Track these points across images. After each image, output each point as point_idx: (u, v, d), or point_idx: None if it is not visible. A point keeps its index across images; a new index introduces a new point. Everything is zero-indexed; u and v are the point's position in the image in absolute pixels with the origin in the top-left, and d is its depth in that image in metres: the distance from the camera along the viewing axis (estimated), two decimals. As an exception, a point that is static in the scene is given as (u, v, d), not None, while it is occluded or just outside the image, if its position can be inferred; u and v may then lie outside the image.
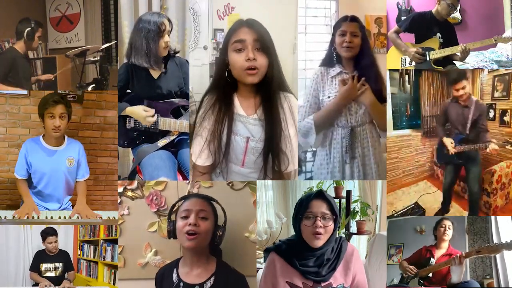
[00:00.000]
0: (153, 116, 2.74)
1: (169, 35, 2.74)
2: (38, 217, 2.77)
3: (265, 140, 2.30)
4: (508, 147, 2.85)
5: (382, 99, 2.63)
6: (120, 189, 2.59)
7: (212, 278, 2.09)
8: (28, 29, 3.20)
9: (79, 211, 2.84)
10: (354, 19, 2.62)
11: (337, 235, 2.11)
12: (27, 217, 2.75)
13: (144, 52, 2.68)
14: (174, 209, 2.19)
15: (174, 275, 2.13)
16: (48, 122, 2.77)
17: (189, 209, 2.08)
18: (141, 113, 2.73)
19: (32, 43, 3.25)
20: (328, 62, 2.68)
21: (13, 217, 2.75)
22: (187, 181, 2.57)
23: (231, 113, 2.31)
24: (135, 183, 2.59)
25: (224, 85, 2.30)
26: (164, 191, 2.58)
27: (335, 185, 3.16)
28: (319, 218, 1.96)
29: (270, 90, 2.29)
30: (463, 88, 3.02)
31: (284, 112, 2.32)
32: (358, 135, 2.64)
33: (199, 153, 2.36)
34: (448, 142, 3.04)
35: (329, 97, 2.63)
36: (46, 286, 2.87)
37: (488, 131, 3.00)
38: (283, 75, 2.34)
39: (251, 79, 2.21)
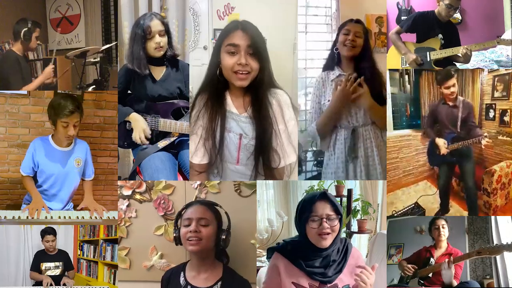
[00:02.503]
0: (147, 138, 2.74)
1: (162, 36, 2.71)
2: (45, 217, 2.76)
3: (256, 137, 2.31)
4: (500, 137, 2.85)
5: (382, 100, 2.65)
6: (128, 192, 2.59)
7: (219, 283, 2.13)
8: (25, 29, 3.19)
9: (88, 205, 2.86)
10: (359, 21, 2.67)
11: (341, 236, 2.11)
12: (37, 213, 2.73)
13: (131, 53, 2.70)
14: (180, 216, 2.22)
15: (181, 278, 2.16)
16: (62, 130, 2.74)
17: (190, 217, 2.14)
18: (142, 126, 2.73)
19: (29, 43, 3.24)
20: (329, 64, 2.71)
21: (16, 217, 2.73)
22: (195, 186, 2.57)
23: (224, 111, 2.32)
24: (144, 186, 2.60)
25: (216, 83, 2.31)
26: (172, 195, 2.59)
27: (336, 183, 3.17)
28: (325, 220, 1.96)
29: (259, 91, 2.30)
30: (453, 85, 3.02)
31: (273, 108, 2.32)
32: (360, 135, 2.66)
33: (194, 151, 2.37)
34: (441, 142, 3.04)
35: (329, 100, 2.66)
36: (48, 282, 2.86)
37: (478, 127, 3.03)
38: (272, 75, 2.35)
39: (241, 83, 2.24)
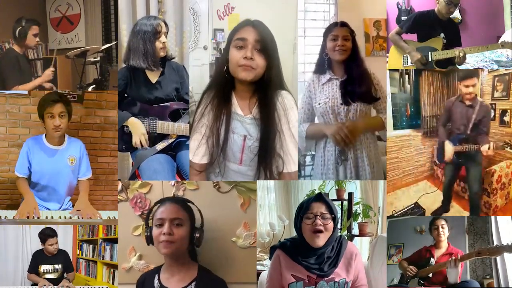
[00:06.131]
0: (146, 142, 2.72)
1: (166, 37, 2.74)
2: (38, 217, 2.75)
3: (261, 139, 2.30)
4: (508, 149, 2.85)
5: (372, 97, 2.66)
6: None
7: (193, 284, 2.10)
8: (19, 28, 3.22)
9: (81, 209, 2.82)
10: (344, 24, 2.68)
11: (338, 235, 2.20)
12: (28, 217, 2.72)
13: (142, 52, 2.68)
14: (151, 214, 2.17)
15: (156, 281, 2.13)
16: (48, 122, 2.75)
17: (163, 217, 2.08)
18: (141, 131, 2.72)
19: (24, 41, 3.25)
20: (319, 69, 2.72)
21: (13, 217, 2.73)
22: (172, 184, 2.52)
23: (229, 111, 2.31)
24: (120, 185, 2.55)
25: (223, 81, 2.30)
26: (149, 194, 2.52)
27: (337, 187, 3.16)
28: (318, 217, 2.07)
29: (267, 91, 2.29)
30: (473, 85, 2.98)
31: (278, 110, 2.31)
32: None
33: (195, 150, 2.36)
34: (449, 148, 3.02)
35: (319, 103, 2.67)
36: (45, 286, 2.86)
37: (487, 134, 2.97)
38: (282, 76, 2.34)
39: (244, 75, 2.21)
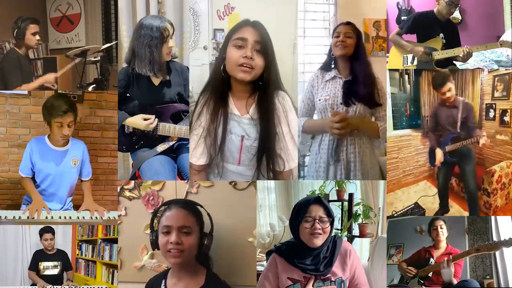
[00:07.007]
0: (153, 121, 2.70)
1: (171, 39, 2.69)
2: (46, 217, 2.76)
3: (259, 139, 2.30)
4: (498, 136, 2.87)
5: (374, 101, 2.65)
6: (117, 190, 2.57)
7: None
8: (16, 29, 3.21)
9: (88, 207, 2.85)
10: (349, 23, 2.70)
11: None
12: (37, 214, 2.72)
13: (148, 60, 2.61)
14: (157, 217, 2.11)
15: (162, 286, 2.09)
16: (56, 130, 2.74)
17: (170, 225, 1.99)
18: (141, 123, 2.68)
19: (23, 41, 3.24)
20: (326, 66, 2.73)
21: (16, 217, 2.73)
22: (186, 181, 2.53)
23: (226, 111, 2.31)
24: (132, 183, 2.55)
25: (219, 81, 2.30)
26: (161, 191, 2.52)
27: (337, 188, 3.16)
28: (317, 221, 2.07)
29: (266, 91, 2.29)
30: (449, 90, 3.03)
31: (277, 111, 2.32)
32: (345, 139, 2.65)
33: (193, 151, 2.36)
34: (439, 154, 3.06)
35: (320, 99, 2.68)
36: (43, 287, 2.87)
37: (479, 127, 3.04)
38: (279, 76, 2.34)
39: (243, 76, 2.22)
